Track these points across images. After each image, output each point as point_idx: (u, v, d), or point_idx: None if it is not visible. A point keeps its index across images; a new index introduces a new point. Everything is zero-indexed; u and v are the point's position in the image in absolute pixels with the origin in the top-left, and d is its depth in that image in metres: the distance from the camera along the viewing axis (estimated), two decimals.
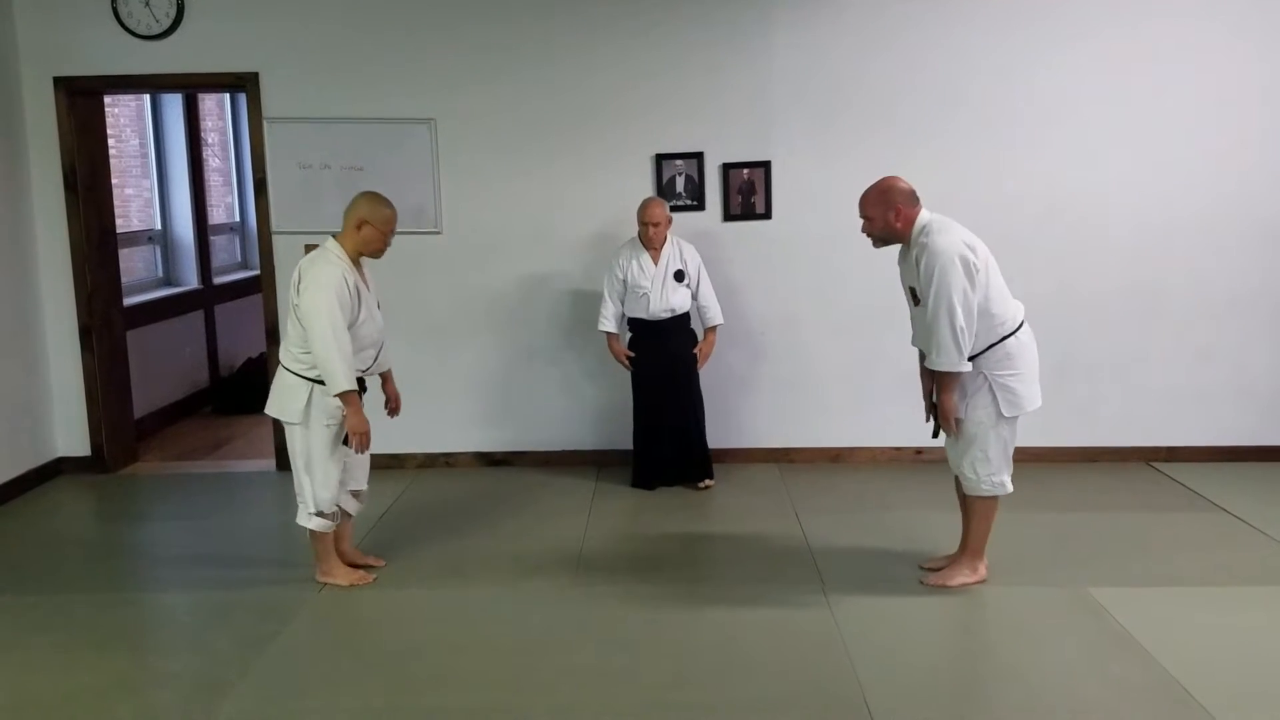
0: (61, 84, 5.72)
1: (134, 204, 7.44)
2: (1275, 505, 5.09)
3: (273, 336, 5.93)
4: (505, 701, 3.39)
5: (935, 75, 5.64)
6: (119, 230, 6.42)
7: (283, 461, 6.03)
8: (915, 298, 4.03)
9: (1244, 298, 5.73)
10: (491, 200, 5.81)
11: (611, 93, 5.71)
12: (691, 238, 5.49)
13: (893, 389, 5.87)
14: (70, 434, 6.01)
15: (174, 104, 7.51)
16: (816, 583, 4.27)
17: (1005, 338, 3.96)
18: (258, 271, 6.19)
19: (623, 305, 5.39)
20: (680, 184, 5.75)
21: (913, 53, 5.63)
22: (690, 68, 5.68)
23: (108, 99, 6.40)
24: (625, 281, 5.31)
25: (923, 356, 4.15)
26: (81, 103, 5.82)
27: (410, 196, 5.78)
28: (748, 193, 5.76)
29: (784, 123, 5.70)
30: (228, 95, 8.56)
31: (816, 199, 5.75)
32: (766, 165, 5.73)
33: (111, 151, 6.41)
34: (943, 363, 3.88)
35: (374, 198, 4.20)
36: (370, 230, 4.14)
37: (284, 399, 4.16)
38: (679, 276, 5.27)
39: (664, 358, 5.36)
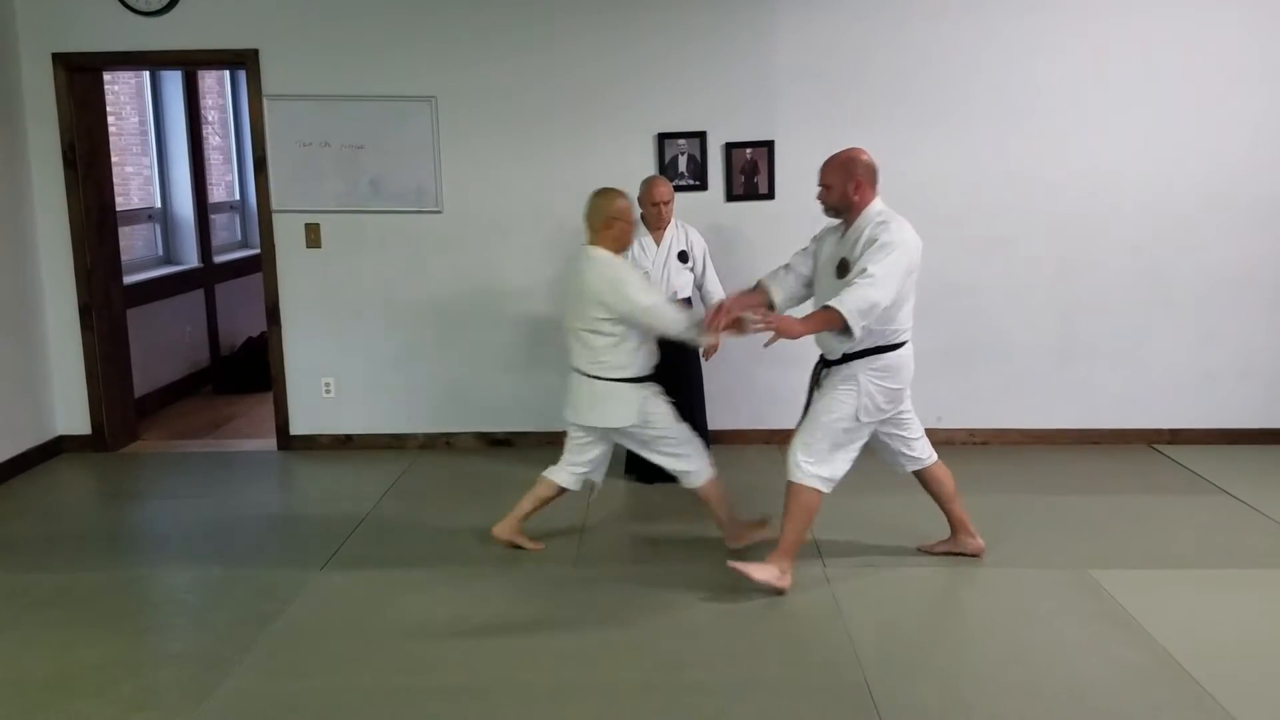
0: (60, 60, 5.68)
1: (134, 182, 7.41)
2: (1277, 488, 5.08)
3: (273, 316, 5.92)
4: (505, 681, 3.39)
5: (938, 56, 5.60)
6: (119, 208, 6.39)
7: (282, 441, 6.03)
8: (841, 271, 3.90)
9: (1247, 278, 5.71)
10: (493, 179, 5.79)
11: (614, 71, 5.68)
12: (694, 218, 5.46)
13: None
14: (70, 412, 6.01)
15: (174, 81, 7.47)
16: (817, 564, 4.27)
17: (893, 347, 3.90)
18: (258, 250, 6.17)
19: None
20: (683, 164, 5.72)
21: (916, 33, 5.59)
22: (693, 46, 5.64)
23: (107, 76, 6.36)
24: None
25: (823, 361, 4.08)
26: (80, 79, 5.79)
27: (411, 175, 5.77)
28: (750, 173, 5.73)
29: (787, 102, 5.67)
30: (228, 72, 8.52)
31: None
32: (769, 145, 5.70)
33: (111, 129, 6.37)
34: (845, 306, 3.66)
35: (607, 194, 4.21)
36: (621, 225, 4.18)
37: (609, 407, 4.18)
38: (683, 257, 5.20)
39: (665, 346, 5.25)
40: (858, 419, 3.92)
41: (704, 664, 3.49)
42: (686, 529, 4.75)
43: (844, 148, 4.03)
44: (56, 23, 5.66)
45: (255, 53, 5.67)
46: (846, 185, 3.89)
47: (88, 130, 5.87)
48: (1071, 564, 4.21)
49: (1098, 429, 5.88)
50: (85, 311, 5.92)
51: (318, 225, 5.83)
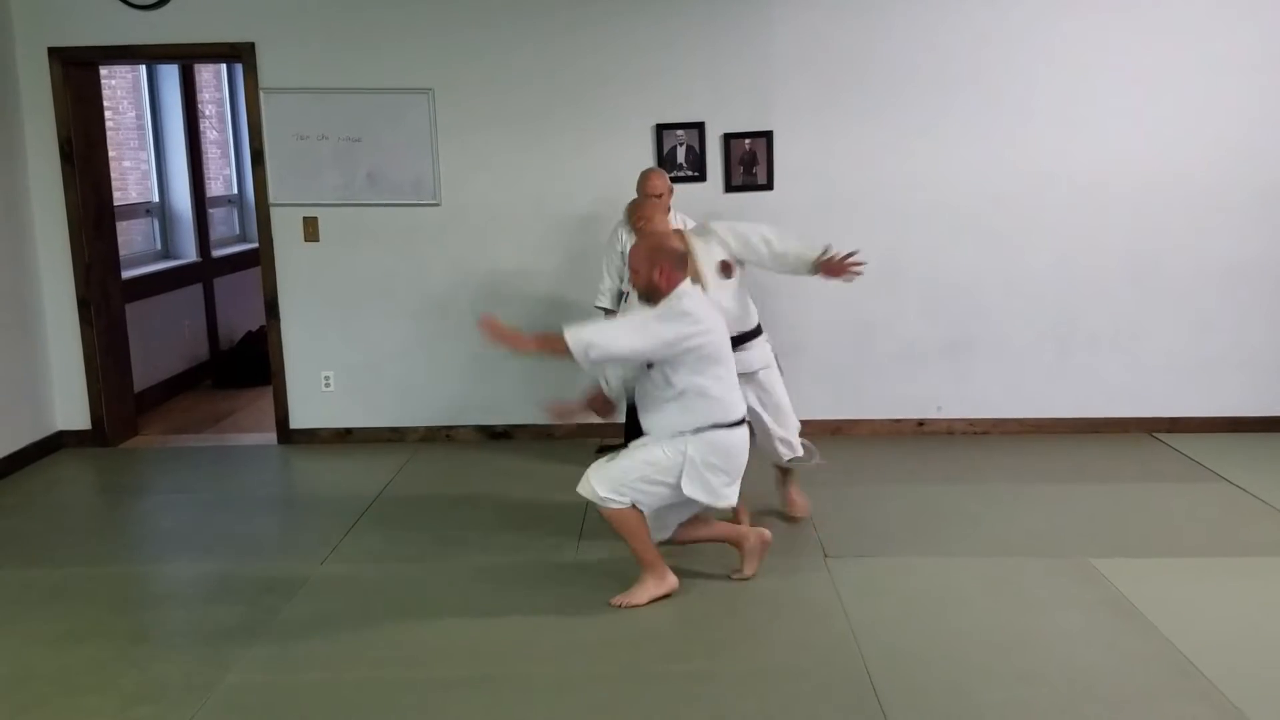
0: (56, 55, 5.66)
1: (131, 176, 7.39)
2: (1277, 475, 5.08)
3: (272, 310, 5.91)
4: (507, 672, 3.39)
5: (936, 46, 5.58)
6: (116, 203, 6.37)
7: (282, 435, 6.03)
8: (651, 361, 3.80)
9: (1245, 267, 5.71)
10: (491, 171, 5.78)
11: (612, 62, 5.66)
12: (692, 209, 5.44)
13: (893, 361, 5.86)
14: (70, 407, 6.00)
15: (170, 75, 7.45)
16: (818, 554, 4.27)
17: (723, 425, 3.76)
18: (256, 244, 6.16)
19: (621, 281, 5.27)
20: (681, 155, 5.71)
21: (914, 24, 5.57)
22: (691, 37, 5.63)
23: (103, 70, 6.34)
24: (624, 254, 5.20)
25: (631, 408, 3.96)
26: (77, 74, 5.77)
27: (408, 168, 5.75)
28: (749, 163, 5.72)
29: (786, 92, 5.66)
30: (224, 66, 8.49)
31: (818, 170, 5.71)
32: (768, 135, 5.68)
33: (108, 123, 6.36)
34: (575, 333, 3.64)
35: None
36: None
37: None
38: None
39: None
40: (679, 485, 3.76)
41: (706, 653, 3.49)
42: None
43: (652, 236, 4.03)
44: (52, 17, 5.64)
45: (252, 46, 5.66)
46: (652, 273, 3.80)
47: (84, 125, 5.85)
48: (1072, 553, 4.21)
49: (1097, 418, 5.88)
50: (84, 306, 5.91)
51: (316, 219, 5.82)
